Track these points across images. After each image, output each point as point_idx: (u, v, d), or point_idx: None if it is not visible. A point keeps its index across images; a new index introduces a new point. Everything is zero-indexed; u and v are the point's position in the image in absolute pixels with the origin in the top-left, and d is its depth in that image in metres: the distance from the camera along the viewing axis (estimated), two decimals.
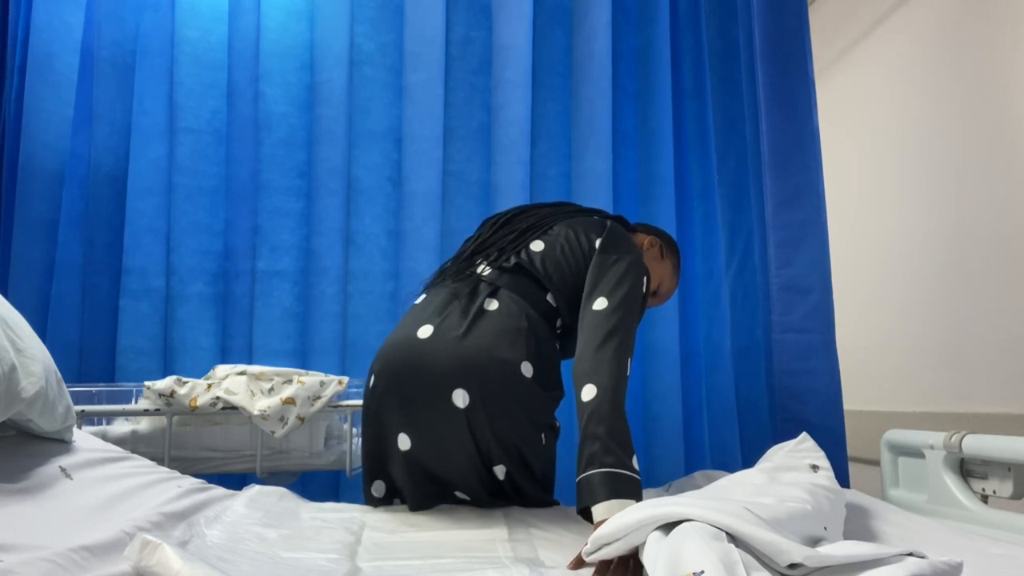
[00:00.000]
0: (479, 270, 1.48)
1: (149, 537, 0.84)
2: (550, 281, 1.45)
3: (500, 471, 1.36)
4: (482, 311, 1.38)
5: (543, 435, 1.39)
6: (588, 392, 1.22)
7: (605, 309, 1.33)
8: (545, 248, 1.50)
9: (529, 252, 1.49)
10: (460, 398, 1.30)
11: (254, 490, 1.36)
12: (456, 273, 1.51)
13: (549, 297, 1.45)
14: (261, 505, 1.28)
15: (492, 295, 1.41)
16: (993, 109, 2.04)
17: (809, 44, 1.99)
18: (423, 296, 1.51)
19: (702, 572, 0.73)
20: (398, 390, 1.35)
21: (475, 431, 1.32)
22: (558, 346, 1.47)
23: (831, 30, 2.82)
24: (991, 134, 2.04)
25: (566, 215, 1.59)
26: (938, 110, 2.25)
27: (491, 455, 1.34)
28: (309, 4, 2.11)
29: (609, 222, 1.54)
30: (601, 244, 1.46)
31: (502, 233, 1.56)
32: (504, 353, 1.33)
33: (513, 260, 1.47)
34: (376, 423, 1.39)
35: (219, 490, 1.34)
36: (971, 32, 2.13)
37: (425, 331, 1.37)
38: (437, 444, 1.34)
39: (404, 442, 1.34)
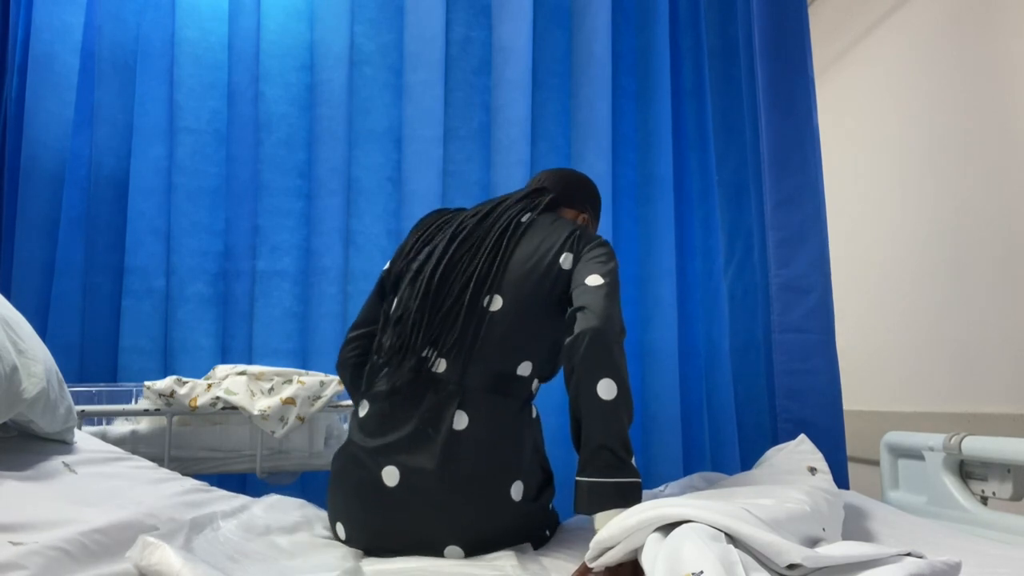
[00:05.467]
0: (433, 367, 1.24)
1: (150, 538, 0.85)
2: (522, 341, 1.26)
3: None
4: (453, 436, 1.19)
5: (547, 531, 1.31)
6: (607, 388, 1.12)
7: (602, 286, 1.22)
8: (505, 304, 1.26)
9: (490, 320, 1.25)
10: (455, 553, 1.18)
11: (274, 498, 1.35)
12: (411, 382, 1.24)
13: (522, 368, 1.27)
14: (279, 509, 1.29)
15: (460, 405, 1.21)
16: (994, 108, 2.04)
17: (809, 43, 2.00)
18: (367, 406, 1.27)
19: (701, 572, 0.73)
20: (378, 545, 1.20)
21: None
22: (534, 407, 1.34)
23: (831, 30, 2.82)
24: (992, 133, 2.04)
25: (506, 235, 1.32)
26: (939, 109, 2.25)
27: None
28: (309, 4, 2.11)
29: (578, 231, 1.34)
30: (575, 256, 1.30)
31: (446, 304, 1.26)
32: (491, 488, 1.18)
33: (476, 350, 1.23)
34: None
35: (221, 491, 1.35)
36: (971, 31, 2.13)
37: (391, 476, 1.18)
38: None
39: None
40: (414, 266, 1.34)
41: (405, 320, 1.27)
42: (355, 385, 1.41)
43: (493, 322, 1.25)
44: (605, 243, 1.33)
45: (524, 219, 1.36)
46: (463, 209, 1.47)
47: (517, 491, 1.20)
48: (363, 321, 1.45)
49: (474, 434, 1.19)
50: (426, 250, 1.35)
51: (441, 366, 1.23)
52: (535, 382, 1.31)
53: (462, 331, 1.23)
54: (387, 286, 1.41)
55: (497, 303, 1.26)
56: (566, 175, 1.52)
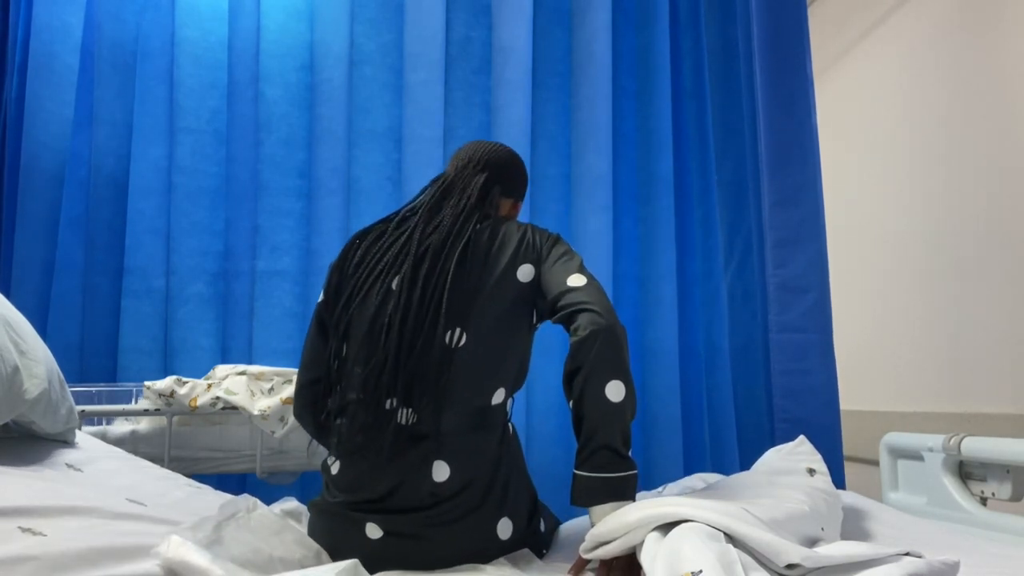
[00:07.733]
0: (406, 420, 1.15)
1: (176, 536, 0.86)
2: (492, 371, 1.19)
3: None
4: (434, 488, 1.12)
5: (544, 551, 1.25)
6: (615, 391, 1.08)
7: (589, 283, 1.16)
8: (469, 337, 1.17)
9: (458, 359, 1.16)
10: None
11: (292, 503, 1.35)
12: (384, 437, 1.15)
13: (496, 396, 1.20)
14: (297, 515, 1.30)
15: (438, 455, 1.13)
16: (993, 108, 2.04)
17: (808, 44, 2.00)
18: (339, 463, 1.19)
19: (700, 572, 0.74)
20: None
21: None
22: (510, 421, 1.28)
23: (831, 30, 2.82)
24: (990, 134, 2.04)
25: (465, 263, 1.20)
26: (937, 109, 2.25)
27: None
28: (309, 4, 2.12)
29: (527, 237, 1.26)
30: (534, 264, 1.23)
31: (415, 351, 1.16)
32: (477, 532, 1.14)
33: (447, 394, 1.15)
34: None
35: (227, 495, 1.35)
36: (971, 32, 2.13)
37: (374, 531, 1.13)
38: None
39: None
40: (368, 303, 1.22)
41: (375, 377, 1.16)
42: (322, 435, 1.34)
43: (461, 360, 1.16)
44: (558, 237, 1.27)
45: (478, 228, 1.26)
46: (388, 220, 1.34)
47: (505, 529, 1.16)
48: (312, 364, 1.33)
49: (455, 484, 1.13)
50: (378, 288, 1.23)
51: (414, 417, 1.15)
52: (509, 402, 1.27)
53: (435, 379, 1.15)
54: (329, 325, 1.28)
55: (462, 338, 1.17)
56: (498, 156, 1.39)
